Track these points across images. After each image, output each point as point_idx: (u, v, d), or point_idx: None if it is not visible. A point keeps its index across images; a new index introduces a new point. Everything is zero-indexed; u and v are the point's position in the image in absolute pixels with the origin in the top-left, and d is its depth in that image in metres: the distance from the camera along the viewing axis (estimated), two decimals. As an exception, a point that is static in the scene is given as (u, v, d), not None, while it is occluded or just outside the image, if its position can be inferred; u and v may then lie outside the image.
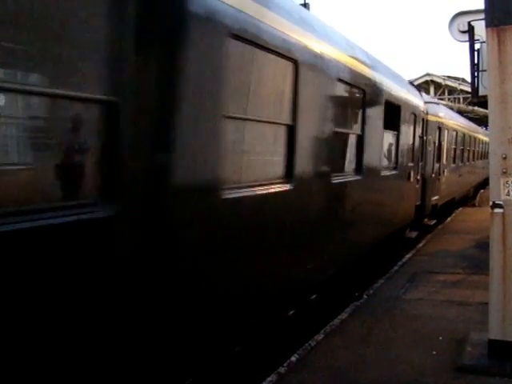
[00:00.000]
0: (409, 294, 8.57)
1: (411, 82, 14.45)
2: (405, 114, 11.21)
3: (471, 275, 9.62)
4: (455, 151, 20.14)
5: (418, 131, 13.23)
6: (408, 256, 11.79)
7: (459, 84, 34.90)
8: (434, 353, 5.97)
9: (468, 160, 24.14)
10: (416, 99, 13.05)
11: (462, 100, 34.47)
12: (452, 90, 36.18)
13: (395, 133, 10.64)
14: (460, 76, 36.26)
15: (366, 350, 6.06)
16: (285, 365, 5.64)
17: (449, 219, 18.72)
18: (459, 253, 12.00)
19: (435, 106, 16.75)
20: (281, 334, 6.16)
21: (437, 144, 16.19)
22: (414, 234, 13.76)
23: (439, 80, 36.05)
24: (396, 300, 8.17)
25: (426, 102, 14.83)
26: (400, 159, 11.05)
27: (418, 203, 13.64)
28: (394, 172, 10.69)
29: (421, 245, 13.29)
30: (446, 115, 18.04)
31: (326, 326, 6.85)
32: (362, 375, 5.40)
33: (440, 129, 16.46)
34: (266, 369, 5.52)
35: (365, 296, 8.38)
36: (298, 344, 6.21)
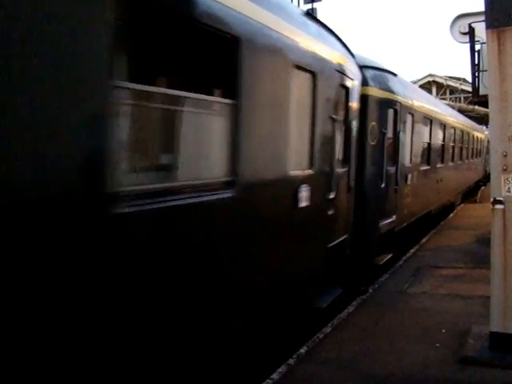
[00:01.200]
0: (413, 287, 8.70)
1: (318, 19, 6.90)
2: (269, 65, 5.28)
3: (473, 269, 9.74)
4: (430, 147, 14.19)
5: (329, 109, 6.75)
6: (412, 251, 11.90)
7: (460, 84, 34.95)
8: (438, 345, 6.09)
9: (453, 160, 18.32)
10: (321, 46, 6.47)
11: (462, 99, 34.54)
12: (453, 90, 36.21)
13: (227, 103, 4.69)
14: (461, 76, 36.34)
15: (372, 343, 6.19)
16: (294, 356, 5.79)
17: (451, 215, 18.70)
18: (461, 248, 12.10)
19: (388, 76, 10.22)
20: (292, 326, 6.29)
21: (390, 136, 10.13)
22: (326, 302, 6.76)
23: (441, 80, 36.08)
24: (400, 294, 8.32)
25: (364, 67, 8.95)
26: (250, 164, 5.02)
27: (342, 238, 7.51)
28: (219, 195, 4.56)
29: (424, 240, 13.36)
30: (411, 94, 11.95)
31: (334, 319, 7.01)
32: (369, 367, 5.54)
33: (397, 113, 10.39)
34: (276, 360, 5.65)
35: (370, 290, 8.51)
36: (307, 336, 6.36)
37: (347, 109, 7.64)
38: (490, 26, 5.61)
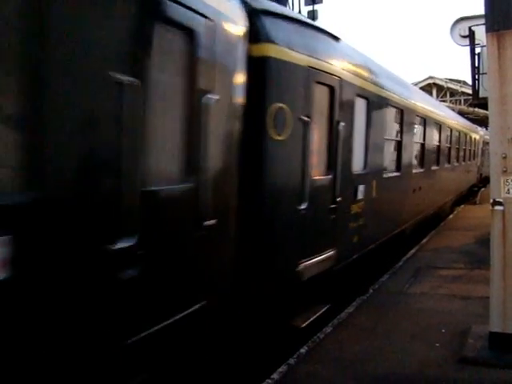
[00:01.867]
0: (413, 288, 8.70)
1: None
2: None
3: (473, 270, 9.74)
4: (401, 147, 10.60)
5: (110, 62, 3.33)
6: (412, 252, 11.87)
7: (460, 86, 35.08)
8: (438, 345, 6.11)
9: (438, 163, 15.02)
10: None
11: (463, 102, 34.67)
12: (453, 93, 36.33)
13: None
14: (461, 79, 36.44)
15: (372, 343, 6.20)
16: (295, 356, 5.80)
17: (451, 216, 18.66)
18: (461, 248, 12.07)
19: (317, 35, 6.82)
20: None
21: (322, 128, 6.81)
22: None
23: (441, 83, 36.22)
24: (400, 294, 8.31)
25: (263, 13, 5.66)
26: None
27: (187, 311, 4.22)
28: None
29: (424, 241, 13.32)
30: (365, 69, 8.52)
31: (334, 319, 7.01)
32: (369, 367, 5.55)
33: (334, 93, 6.93)
34: (276, 360, 5.67)
35: (370, 290, 8.51)
36: (308, 336, 6.35)
37: (194, 72, 4.23)
38: (490, 29, 5.62)
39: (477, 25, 10.85)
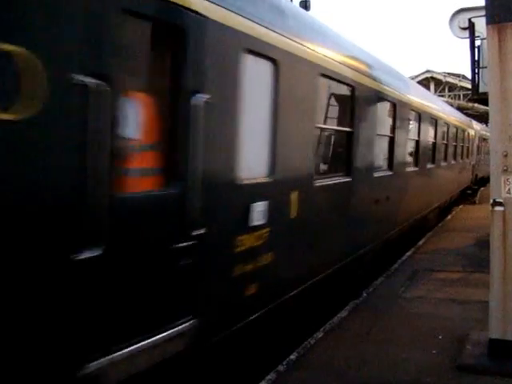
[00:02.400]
0: (409, 292, 8.57)
1: None
2: None
3: (471, 273, 9.64)
4: (350, 140, 7.67)
5: None
6: (408, 254, 11.77)
7: (459, 81, 35.05)
8: (434, 352, 5.98)
9: (417, 163, 12.13)
10: None
11: (462, 97, 34.66)
12: (452, 87, 36.33)
13: None
14: (460, 73, 36.40)
15: (366, 349, 6.07)
16: (284, 363, 5.66)
17: (449, 217, 18.63)
18: (459, 251, 11.98)
19: None
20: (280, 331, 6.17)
21: (146, 103, 3.84)
22: None
23: (439, 77, 36.18)
24: (396, 298, 8.18)
25: None
26: None
27: None
28: None
29: (421, 243, 13.24)
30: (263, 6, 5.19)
31: (326, 324, 6.88)
32: (362, 374, 5.41)
33: (184, 38, 3.94)
34: (265, 367, 5.52)
35: (364, 294, 8.38)
36: (298, 342, 6.22)
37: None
38: (490, 21, 5.52)
39: (477, 16, 10.78)
